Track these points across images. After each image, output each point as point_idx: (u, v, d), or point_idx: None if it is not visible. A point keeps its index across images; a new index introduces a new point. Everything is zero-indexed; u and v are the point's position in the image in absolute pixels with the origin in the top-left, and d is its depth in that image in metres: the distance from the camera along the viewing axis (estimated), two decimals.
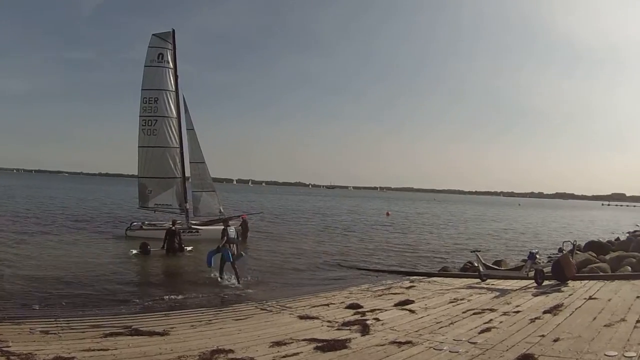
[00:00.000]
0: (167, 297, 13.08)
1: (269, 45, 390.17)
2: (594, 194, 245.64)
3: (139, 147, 25.69)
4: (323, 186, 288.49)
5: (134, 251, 19.98)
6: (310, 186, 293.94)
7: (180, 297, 13.19)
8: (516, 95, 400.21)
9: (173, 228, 20.95)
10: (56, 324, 8.81)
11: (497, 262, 17.81)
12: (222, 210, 26.69)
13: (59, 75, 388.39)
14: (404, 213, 62.77)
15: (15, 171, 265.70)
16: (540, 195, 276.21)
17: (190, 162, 26.18)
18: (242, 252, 16.32)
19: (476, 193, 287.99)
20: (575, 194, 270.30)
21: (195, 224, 25.63)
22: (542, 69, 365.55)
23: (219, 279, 15.21)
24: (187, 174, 26.54)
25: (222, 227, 16.24)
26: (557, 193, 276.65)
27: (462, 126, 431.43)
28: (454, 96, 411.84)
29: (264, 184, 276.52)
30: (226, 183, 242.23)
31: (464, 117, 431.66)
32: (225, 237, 15.21)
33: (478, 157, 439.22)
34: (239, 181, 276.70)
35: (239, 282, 14.78)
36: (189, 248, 20.94)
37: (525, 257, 15.01)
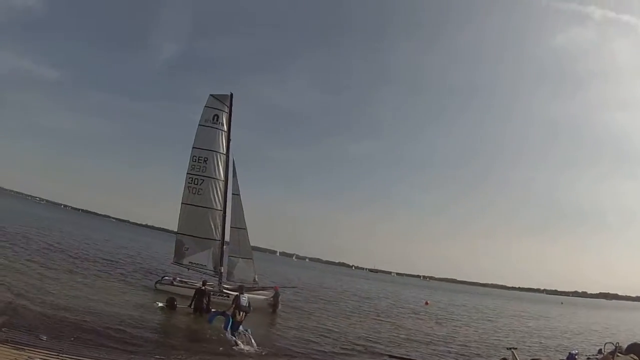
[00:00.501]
0: (179, 354, 12.89)
1: (328, 127, 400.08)
2: (639, 295, 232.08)
3: (182, 203, 26.03)
4: (366, 269, 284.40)
5: (160, 304, 19.95)
6: (353, 268, 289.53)
7: (193, 357, 12.92)
8: (575, 200, 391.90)
9: (203, 288, 20.81)
10: (57, 357, 8.64)
11: None
12: (256, 279, 26.41)
13: (117, 122, 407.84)
14: (444, 303, 60.21)
15: (63, 206, 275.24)
16: (583, 294, 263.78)
17: (231, 227, 26.30)
18: (248, 329, 16.07)
19: (519, 289, 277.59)
20: (620, 294, 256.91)
21: (227, 289, 25.07)
22: (604, 174, 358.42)
23: (231, 339, 15.35)
24: (227, 237, 26.38)
25: (236, 294, 16.68)
26: (600, 293, 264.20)
27: (512, 219, 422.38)
28: (516, 201, 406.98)
29: (307, 260, 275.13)
30: (269, 254, 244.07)
31: (523, 218, 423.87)
32: (234, 304, 15.80)
33: (527, 256, 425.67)
34: (282, 254, 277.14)
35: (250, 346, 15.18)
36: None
37: (564, 358, 14.43)
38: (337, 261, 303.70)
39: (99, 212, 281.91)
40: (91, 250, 41.11)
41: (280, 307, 25.25)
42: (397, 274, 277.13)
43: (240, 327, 15.79)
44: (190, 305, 20.05)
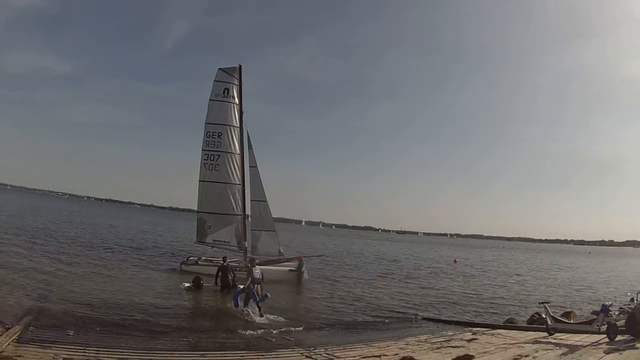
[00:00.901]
0: (208, 335, 12.77)
1: (342, 91, 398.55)
2: None
3: (199, 181, 25.70)
4: (393, 231, 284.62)
5: (187, 284, 19.83)
6: (380, 231, 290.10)
7: (222, 336, 12.88)
8: (595, 147, 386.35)
9: (225, 264, 20.53)
10: (83, 352, 8.77)
11: (566, 314, 16.38)
12: (281, 251, 26.22)
13: (133, 107, 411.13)
14: (472, 260, 59.87)
15: (85, 198, 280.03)
16: (610, 243, 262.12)
17: (251, 200, 25.98)
18: (267, 294, 16.45)
19: (546, 241, 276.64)
20: None
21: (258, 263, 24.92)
22: (623, 122, 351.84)
23: (243, 310, 15.70)
24: (248, 211, 26.17)
25: (250, 267, 17.00)
26: (627, 241, 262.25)
27: (533, 175, 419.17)
28: (534, 153, 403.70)
29: (333, 227, 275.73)
30: (295, 224, 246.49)
31: (542, 173, 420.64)
32: (250, 278, 16.08)
33: (549, 205, 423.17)
34: (308, 223, 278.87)
35: (261, 317, 15.32)
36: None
37: (597, 309, 14.36)
38: (363, 225, 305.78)
39: (123, 200, 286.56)
40: (114, 238, 41.22)
41: (306, 276, 24.97)
42: (425, 233, 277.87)
43: (257, 299, 15.92)
44: (216, 283, 19.95)
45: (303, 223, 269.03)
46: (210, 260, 25.10)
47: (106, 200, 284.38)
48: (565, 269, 53.57)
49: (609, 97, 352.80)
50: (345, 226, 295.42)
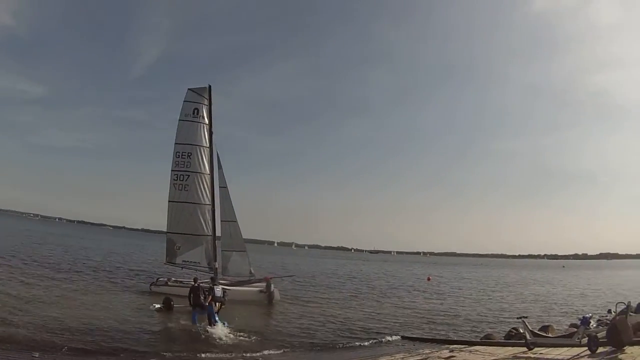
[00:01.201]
0: (177, 358, 12.72)
1: (318, 111, 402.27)
2: (639, 252, 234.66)
3: (169, 201, 25.62)
4: (366, 251, 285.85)
5: (157, 305, 19.63)
6: (352, 250, 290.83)
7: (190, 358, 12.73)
8: (562, 160, 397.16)
9: (196, 285, 20.06)
10: None
11: (544, 328, 16.37)
12: (252, 272, 26.10)
13: (104, 133, 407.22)
14: (446, 278, 60.40)
15: (57, 220, 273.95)
16: (584, 256, 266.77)
17: (221, 221, 25.88)
18: (225, 322, 17.18)
19: (519, 257, 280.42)
20: (620, 253, 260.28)
21: (223, 284, 24.71)
22: (589, 130, 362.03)
23: (199, 327, 16.46)
24: (218, 232, 25.98)
25: (210, 286, 17.89)
26: (601, 253, 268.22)
27: (508, 194, 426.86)
28: (501, 166, 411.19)
29: (306, 247, 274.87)
30: (268, 245, 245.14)
31: (509, 185, 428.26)
32: (212, 296, 17.03)
33: (521, 222, 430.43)
34: (280, 244, 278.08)
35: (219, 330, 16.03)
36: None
37: (575, 322, 14.67)
38: (336, 246, 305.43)
39: (95, 222, 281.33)
40: (83, 260, 40.42)
41: (277, 296, 24.85)
42: (397, 252, 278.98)
43: (217, 318, 16.81)
44: (190, 303, 19.55)
45: (275, 244, 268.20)
46: (181, 281, 24.96)
47: (78, 221, 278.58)
48: (540, 284, 54.28)
49: (574, 109, 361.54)
50: (318, 246, 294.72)
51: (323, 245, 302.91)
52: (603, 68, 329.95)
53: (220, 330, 16.10)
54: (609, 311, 14.19)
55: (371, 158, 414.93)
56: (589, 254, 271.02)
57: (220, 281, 24.97)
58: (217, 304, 17.15)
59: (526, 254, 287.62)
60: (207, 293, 20.13)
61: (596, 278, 67.54)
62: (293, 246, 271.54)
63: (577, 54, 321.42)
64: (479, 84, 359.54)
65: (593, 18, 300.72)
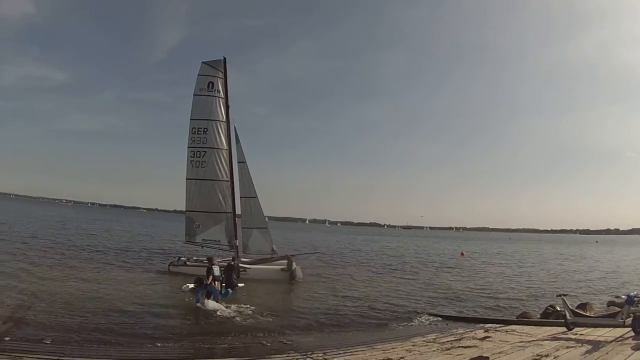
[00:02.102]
0: (197, 340, 11.95)
1: (334, 91, 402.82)
2: None
3: (187, 179, 25.09)
4: (398, 226, 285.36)
5: (190, 286, 19.02)
6: (385, 226, 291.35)
7: (213, 341, 12.05)
8: (586, 138, 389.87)
9: (232, 263, 20.38)
10: None
11: (582, 306, 15.44)
12: (274, 249, 25.34)
13: (128, 116, 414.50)
14: (479, 253, 59.04)
15: (90, 205, 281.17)
16: (616, 231, 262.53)
17: (240, 197, 25.27)
18: (229, 290, 17.88)
19: (552, 231, 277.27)
20: None
21: (245, 262, 24.20)
22: (610, 107, 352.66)
23: (203, 305, 16.05)
24: (238, 210, 25.47)
25: (208, 265, 17.61)
26: (633, 229, 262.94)
27: (533, 172, 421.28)
28: (522, 140, 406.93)
29: (339, 224, 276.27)
30: (300, 222, 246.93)
31: (534, 163, 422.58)
32: (211, 275, 16.85)
33: (553, 197, 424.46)
34: (312, 221, 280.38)
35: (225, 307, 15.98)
36: (240, 285, 19.92)
37: (613, 300, 14.26)
38: (368, 222, 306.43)
39: (127, 205, 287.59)
40: (106, 242, 40.26)
41: (300, 275, 23.87)
42: (430, 228, 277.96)
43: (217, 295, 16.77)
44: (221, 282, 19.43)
45: (307, 222, 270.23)
46: (201, 261, 24.52)
47: (110, 205, 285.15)
48: (575, 259, 52.70)
49: (609, 86, 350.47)
50: (351, 223, 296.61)
51: (355, 222, 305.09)
52: (627, 44, 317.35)
53: (211, 304, 15.92)
54: None
55: (410, 142, 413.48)
56: (621, 229, 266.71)
57: (242, 259, 24.63)
58: (216, 282, 17.08)
59: (559, 228, 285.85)
60: (239, 272, 20.26)
61: (630, 254, 65.48)
62: (327, 223, 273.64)
63: (594, 31, 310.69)
64: (494, 64, 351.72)
65: None
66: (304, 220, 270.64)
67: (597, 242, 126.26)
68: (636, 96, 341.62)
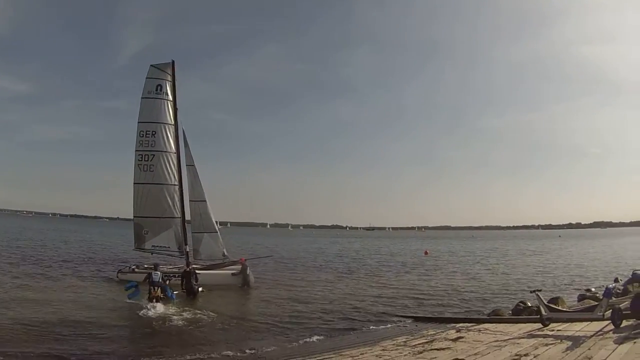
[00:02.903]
0: (155, 354, 11.35)
1: (303, 93, 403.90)
2: (632, 220, 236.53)
3: (134, 183, 24.44)
4: (360, 228, 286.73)
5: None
6: (347, 228, 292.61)
7: (172, 353, 11.44)
8: (552, 134, 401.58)
9: (188, 269, 20.53)
10: None
11: (553, 301, 15.08)
12: (226, 253, 24.95)
13: (90, 125, 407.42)
14: (442, 252, 59.64)
15: (51, 215, 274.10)
16: (578, 225, 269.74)
17: (190, 201, 24.73)
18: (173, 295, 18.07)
19: (513, 228, 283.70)
20: (613, 221, 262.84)
21: (196, 268, 23.72)
22: (576, 103, 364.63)
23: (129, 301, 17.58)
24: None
25: (151, 270, 18.72)
26: (594, 222, 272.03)
27: (498, 168, 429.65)
28: (490, 142, 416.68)
29: (301, 228, 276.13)
30: (261, 227, 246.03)
31: (500, 160, 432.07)
32: (150, 280, 17.78)
33: (512, 197, 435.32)
34: (274, 225, 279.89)
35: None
36: (201, 289, 20.25)
37: (582, 292, 14.61)
38: (330, 224, 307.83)
39: (89, 215, 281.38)
40: (58, 252, 39.12)
41: (252, 280, 23.52)
42: (393, 228, 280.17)
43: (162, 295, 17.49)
44: (182, 289, 19.54)
45: (268, 226, 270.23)
46: (150, 268, 23.98)
47: (71, 215, 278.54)
48: (539, 254, 53.73)
49: (563, 82, 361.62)
50: (313, 226, 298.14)
51: (318, 224, 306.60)
52: (591, 41, 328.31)
53: (160, 307, 16.65)
54: (616, 280, 13.16)
55: (359, 137, 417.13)
56: (582, 223, 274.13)
57: (194, 265, 24.22)
58: (157, 288, 17.43)
59: (521, 224, 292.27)
60: (197, 278, 20.20)
61: (594, 247, 67.04)
62: (289, 227, 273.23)
63: (563, 27, 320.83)
64: (464, 61, 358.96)
65: None
66: (264, 225, 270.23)
67: (560, 236, 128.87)
68: (601, 93, 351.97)
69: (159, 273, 18.17)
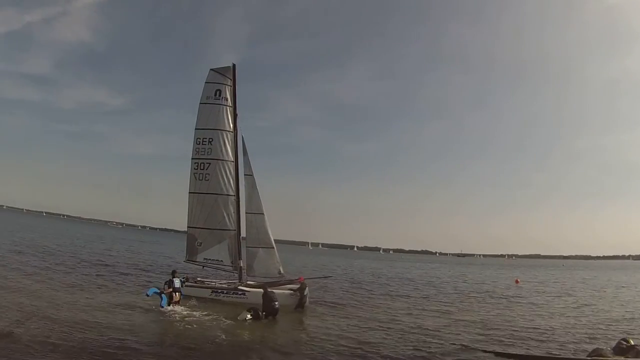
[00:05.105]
0: None
1: (397, 113, 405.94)
2: None
3: (189, 192, 23.90)
4: (450, 254, 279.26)
5: (248, 316, 17.81)
6: (437, 254, 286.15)
7: None
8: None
9: (268, 290, 19.57)
10: None
11: None
12: (281, 271, 23.62)
13: (183, 138, 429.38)
14: (536, 281, 54.77)
15: (140, 227, 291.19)
16: None
17: (246, 213, 23.75)
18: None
19: (604, 257, 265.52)
20: None
21: (251, 285, 22.71)
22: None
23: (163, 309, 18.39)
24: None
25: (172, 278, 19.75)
26: None
27: (606, 194, 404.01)
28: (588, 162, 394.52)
29: (391, 252, 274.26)
30: (349, 250, 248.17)
31: (603, 183, 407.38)
32: (172, 287, 19.33)
33: (601, 218, 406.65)
34: (362, 248, 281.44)
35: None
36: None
37: None
38: (419, 249, 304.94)
39: (180, 230, 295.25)
40: (99, 257, 39.80)
41: (307, 301, 21.72)
42: (484, 255, 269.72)
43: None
44: (262, 312, 18.39)
45: (355, 248, 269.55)
46: (202, 282, 23.27)
47: (160, 229, 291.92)
48: (631, 288, 47.78)
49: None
50: (402, 250, 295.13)
51: (407, 249, 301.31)
52: None
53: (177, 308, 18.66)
54: None
55: (457, 161, 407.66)
56: None
57: (248, 282, 23.17)
58: (177, 293, 19.38)
59: (611, 254, 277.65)
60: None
61: None
62: (381, 251, 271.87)
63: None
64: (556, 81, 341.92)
65: None
66: (352, 247, 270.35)
67: None
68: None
69: (178, 280, 19.79)
